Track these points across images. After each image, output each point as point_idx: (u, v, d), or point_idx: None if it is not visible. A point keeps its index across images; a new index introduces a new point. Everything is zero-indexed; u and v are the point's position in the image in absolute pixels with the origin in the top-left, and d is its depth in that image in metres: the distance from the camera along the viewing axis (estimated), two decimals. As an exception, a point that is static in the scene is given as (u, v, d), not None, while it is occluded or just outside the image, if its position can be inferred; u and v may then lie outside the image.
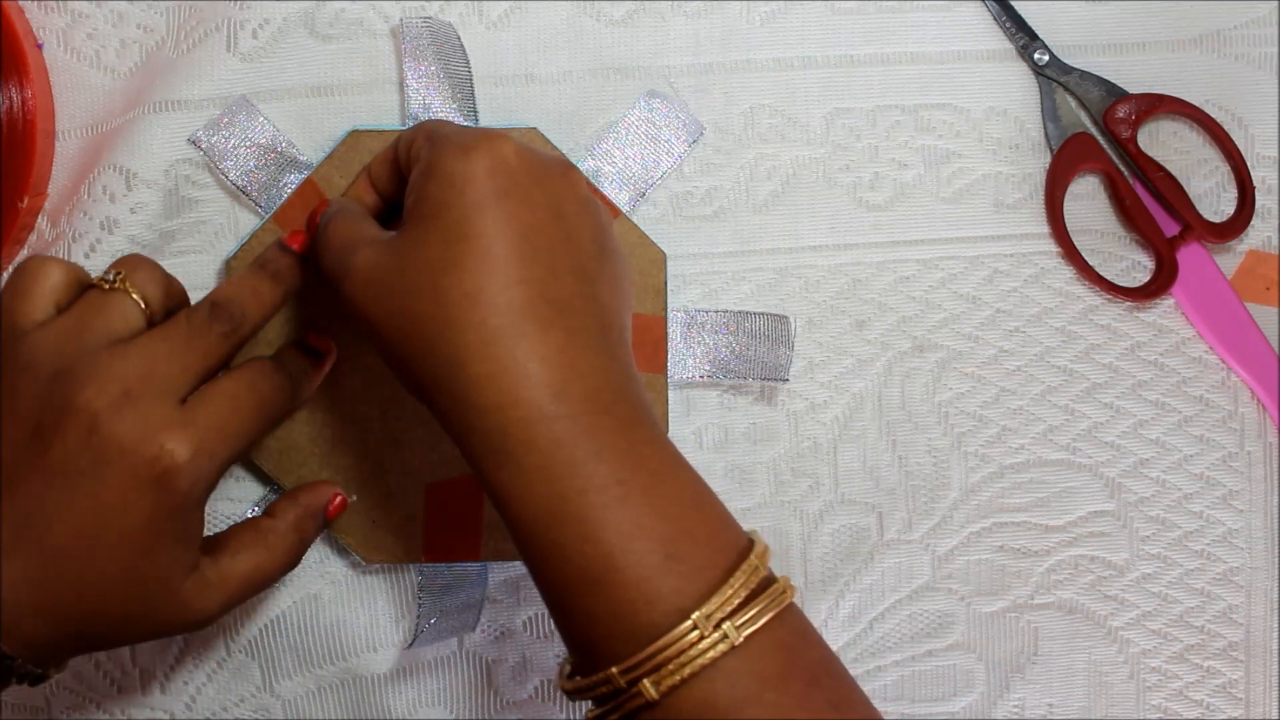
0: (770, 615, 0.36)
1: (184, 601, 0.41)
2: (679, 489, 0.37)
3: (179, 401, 0.40)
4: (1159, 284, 0.53)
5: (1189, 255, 0.53)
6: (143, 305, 0.42)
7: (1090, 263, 0.53)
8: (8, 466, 0.39)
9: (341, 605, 0.52)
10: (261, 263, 0.45)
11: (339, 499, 0.48)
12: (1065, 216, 0.53)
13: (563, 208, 0.40)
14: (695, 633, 0.35)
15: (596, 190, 0.50)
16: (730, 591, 0.36)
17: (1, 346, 0.40)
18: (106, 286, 0.42)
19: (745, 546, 0.38)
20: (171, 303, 0.44)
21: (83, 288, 0.42)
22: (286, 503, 0.46)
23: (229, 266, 0.49)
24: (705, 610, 0.35)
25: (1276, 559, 0.54)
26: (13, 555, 0.39)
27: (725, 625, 0.35)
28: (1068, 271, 0.53)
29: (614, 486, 0.36)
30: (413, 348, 0.38)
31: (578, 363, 0.37)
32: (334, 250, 0.41)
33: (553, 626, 0.52)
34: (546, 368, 0.37)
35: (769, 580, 0.37)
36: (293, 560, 0.45)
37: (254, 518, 0.46)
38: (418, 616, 0.50)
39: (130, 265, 0.43)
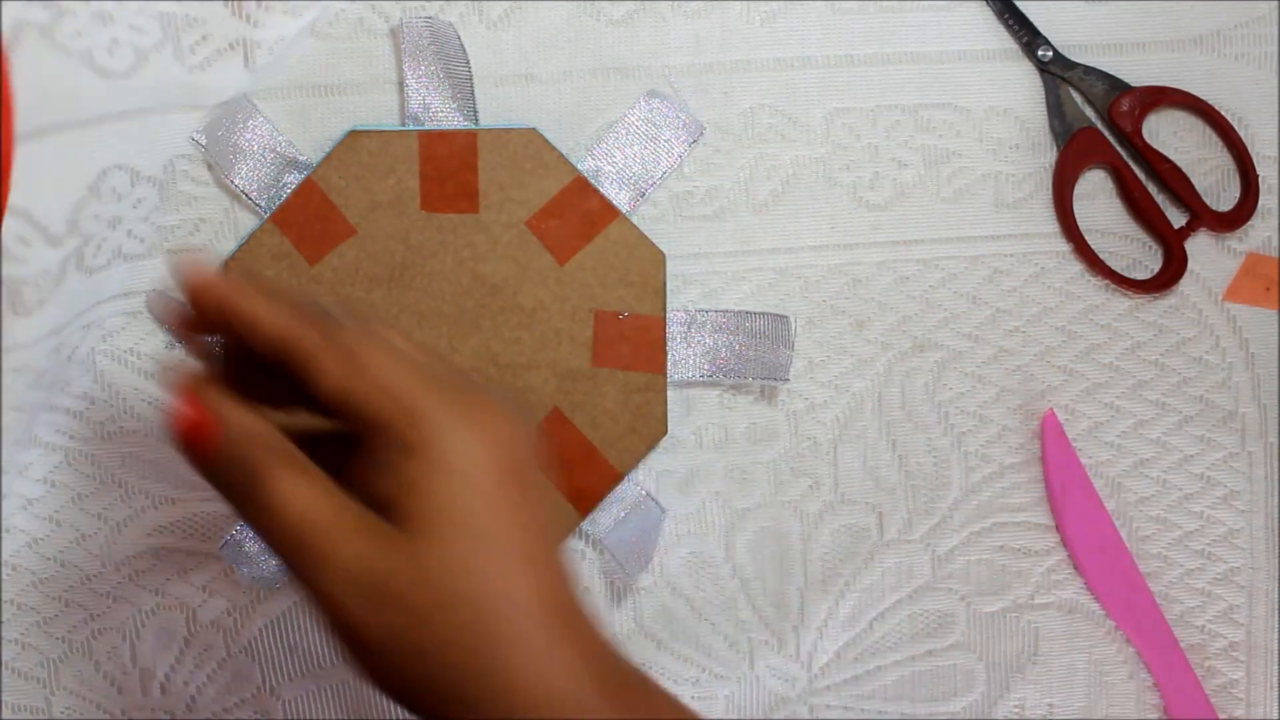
0: None
1: None
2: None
3: None
4: (1169, 276, 0.53)
5: (1197, 246, 0.53)
6: None
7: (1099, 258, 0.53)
8: None
9: (341, 605, 0.52)
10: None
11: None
12: (1074, 212, 0.53)
13: (534, 461, 0.36)
14: None
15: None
16: None
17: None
18: None
19: None
20: None
21: None
22: None
23: (227, 266, 0.49)
24: None
25: (1277, 559, 0.54)
26: None
27: None
28: (1068, 271, 0.53)
29: None
30: (428, 665, 0.33)
31: (592, 641, 0.35)
32: (294, 531, 0.33)
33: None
34: (589, 663, 0.34)
35: None
36: None
37: None
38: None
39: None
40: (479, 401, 0.35)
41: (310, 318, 0.35)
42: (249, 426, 0.34)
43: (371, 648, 0.33)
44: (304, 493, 0.33)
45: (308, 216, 0.49)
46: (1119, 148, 0.53)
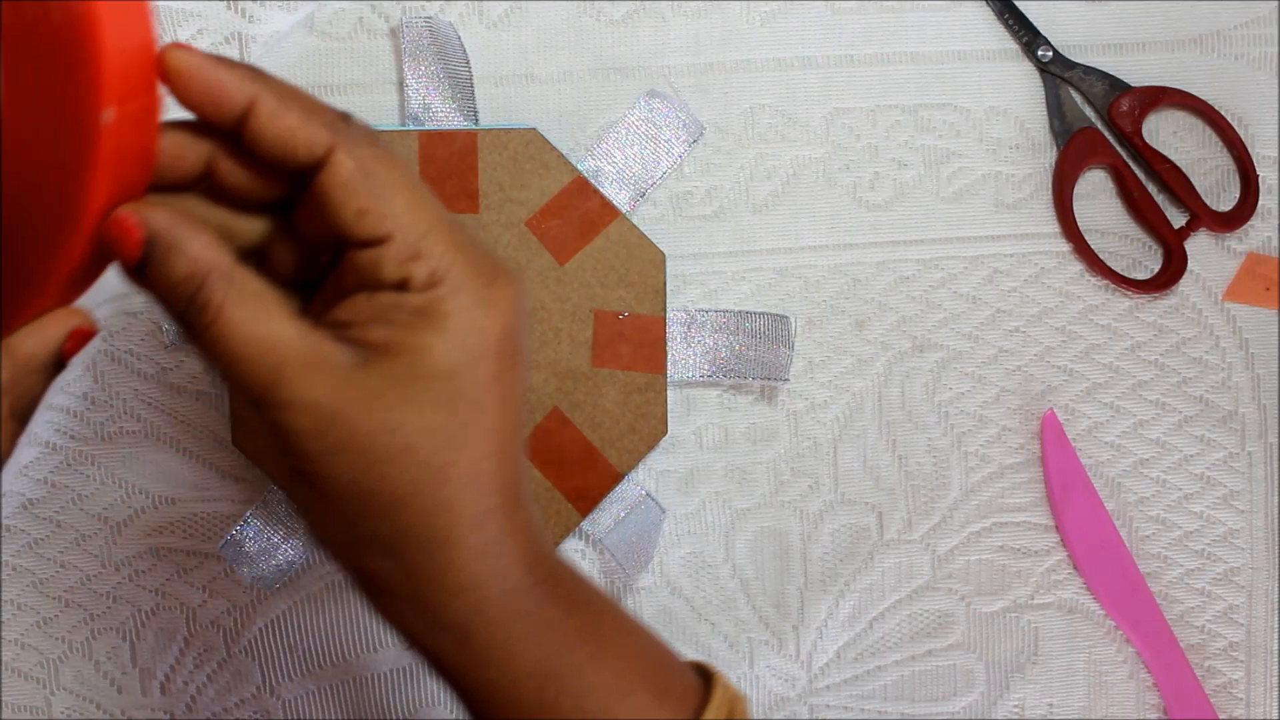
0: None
1: None
2: (629, 625, 0.37)
3: None
4: (1169, 276, 0.53)
5: (1197, 246, 0.53)
6: None
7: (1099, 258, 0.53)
8: None
9: (341, 605, 0.52)
10: None
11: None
12: (1074, 212, 0.53)
13: (527, 332, 0.35)
14: None
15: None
16: (718, 706, 0.36)
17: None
18: None
19: (692, 665, 0.38)
20: None
21: None
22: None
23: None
24: None
25: (1277, 559, 0.54)
26: None
27: None
28: (1068, 271, 0.53)
29: (591, 639, 0.35)
30: (376, 521, 0.32)
31: (532, 526, 0.35)
32: (249, 359, 0.31)
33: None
34: (520, 541, 0.34)
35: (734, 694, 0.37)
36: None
37: None
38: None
39: None
40: (498, 270, 0.33)
41: (325, 118, 0.32)
42: (198, 253, 0.31)
43: (319, 486, 0.32)
44: (256, 326, 0.31)
45: (308, 216, 0.49)
46: (1119, 148, 0.53)
